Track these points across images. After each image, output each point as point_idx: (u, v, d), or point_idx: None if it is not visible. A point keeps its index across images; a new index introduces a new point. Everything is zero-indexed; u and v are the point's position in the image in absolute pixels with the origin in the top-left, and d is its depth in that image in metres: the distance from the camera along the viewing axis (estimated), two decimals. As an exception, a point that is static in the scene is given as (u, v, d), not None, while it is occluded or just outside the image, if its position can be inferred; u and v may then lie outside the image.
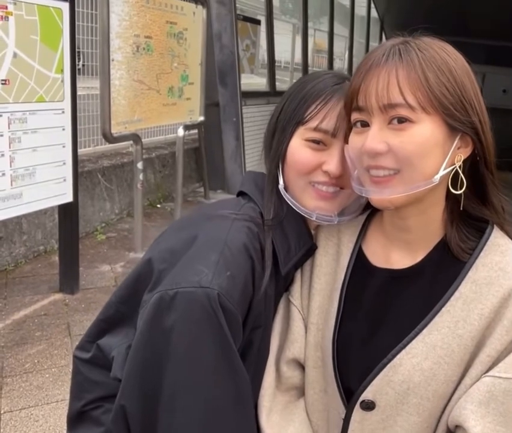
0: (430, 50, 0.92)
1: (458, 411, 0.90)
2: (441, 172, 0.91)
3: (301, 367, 1.11)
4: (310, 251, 1.13)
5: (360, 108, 0.94)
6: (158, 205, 5.94)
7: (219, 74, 5.94)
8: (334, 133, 1.03)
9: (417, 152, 0.89)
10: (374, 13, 12.62)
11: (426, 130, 0.89)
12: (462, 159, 0.93)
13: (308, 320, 1.09)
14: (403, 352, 0.94)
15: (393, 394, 0.94)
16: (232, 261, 0.94)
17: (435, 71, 0.90)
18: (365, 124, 0.94)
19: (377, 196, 0.93)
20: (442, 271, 0.97)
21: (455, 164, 0.93)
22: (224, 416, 0.90)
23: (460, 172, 0.93)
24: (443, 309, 0.94)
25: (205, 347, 0.88)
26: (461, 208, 0.97)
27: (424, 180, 0.90)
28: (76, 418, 1.07)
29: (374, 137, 0.91)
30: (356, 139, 0.96)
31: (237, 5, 6.02)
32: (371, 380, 0.95)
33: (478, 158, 0.95)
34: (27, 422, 2.53)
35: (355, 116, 0.96)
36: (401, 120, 0.89)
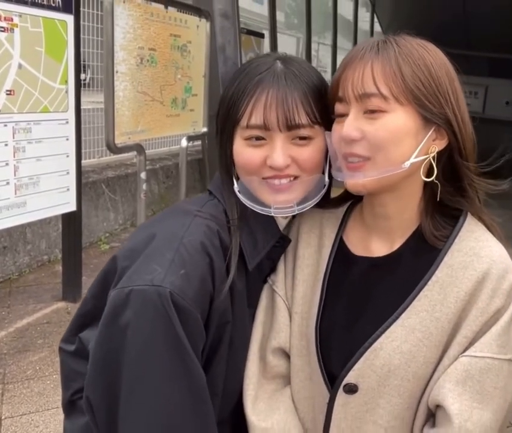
0: (408, 46, 0.97)
1: (437, 390, 0.94)
2: (412, 160, 0.95)
3: (287, 355, 1.14)
4: (284, 243, 1.15)
5: (340, 98, 0.99)
6: (162, 216, 5.97)
7: (223, 85, 5.99)
8: (266, 125, 1.01)
9: (389, 139, 0.93)
10: (377, 27, 12.71)
11: (398, 119, 0.94)
12: (436, 150, 0.98)
13: (292, 309, 1.13)
14: (383, 336, 0.97)
15: (375, 377, 0.97)
16: (187, 260, 0.95)
17: (410, 65, 0.94)
18: (345, 114, 0.98)
19: (351, 180, 0.98)
20: (419, 258, 1.02)
21: (428, 154, 0.97)
22: (179, 412, 0.91)
23: (433, 161, 0.97)
24: (421, 293, 0.98)
25: (158, 345, 0.90)
26: (438, 199, 1.01)
27: (395, 165, 0.94)
28: (68, 406, 1.11)
29: (350, 124, 0.96)
30: (336, 128, 1.01)
31: (240, 19, 6.08)
32: (353, 365, 0.99)
33: (452, 151, 0.98)
34: (28, 428, 2.55)
35: (336, 107, 1.01)
36: (374, 110, 0.94)
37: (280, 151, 1.01)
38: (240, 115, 1.03)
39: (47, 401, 2.74)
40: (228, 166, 1.09)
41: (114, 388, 0.91)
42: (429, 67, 0.96)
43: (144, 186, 4.30)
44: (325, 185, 1.09)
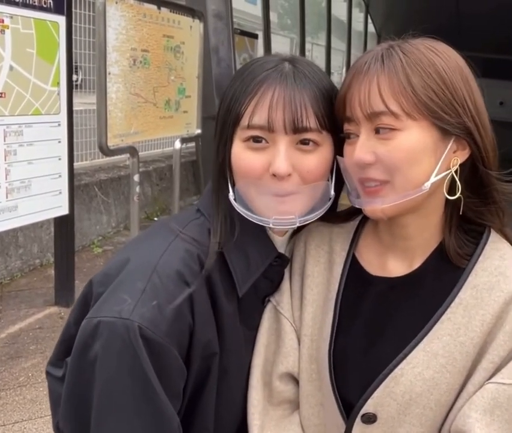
0: (416, 52, 0.89)
1: (462, 420, 0.87)
2: (433, 179, 0.88)
3: (295, 380, 1.07)
4: (283, 262, 1.06)
5: (348, 119, 0.92)
6: (156, 219, 5.93)
7: (216, 87, 5.96)
8: (270, 126, 0.91)
9: (405, 160, 0.87)
10: (371, 28, 12.73)
11: (413, 137, 0.86)
12: (458, 163, 0.90)
13: (301, 332, 1.05)
14: (404, 362, 0.91)
15: (395, 406, 0.91)
16: (160, 289, 0.88)
17: (420, 75, 0.86)
18: (355, 134, 0.92)
19: (369, 206, 0.92)
20: (441, 277, 0.95)
21: (450, 169, 0.90)
22: None
23: (456, 177, 0.90)
24: (444, 316, 0.91)
25: (123, 382, 0.84)
26: (461, 213, 0.94)
27: (415, 187, 0.88)
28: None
29: (362, 147, 0.89)
30: (347, 151, 0.94)
31: (234, 20, 6.06)
32: (372, 393, 0.92)
33: (475, 160, 0.91)
34: (20, 437, 2.51)
35: (345, 127, 0.94)
36: (386, 129, 0.87)
37: (284, 155, 0.92)
38: (241, 114, 0.94)
39: (40, 408, 2.70)
40: (224, 172, 1.00)
41: (85, 421, 0.87)
42: (442, 73, 0.87)
43: (137, 189, 4.26)
44: (330, 198, 1.01)
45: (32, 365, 3.06)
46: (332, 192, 1.01)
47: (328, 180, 1.00)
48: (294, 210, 0.96)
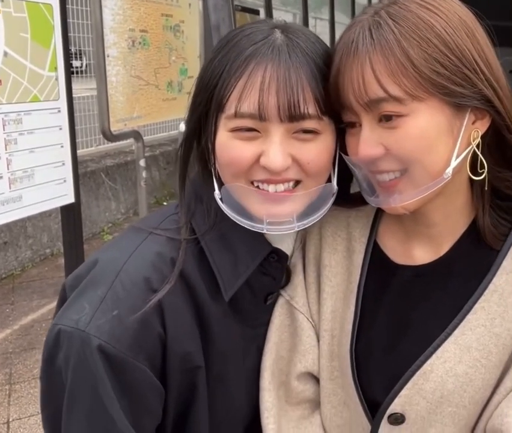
0: (408, 16, 0.75)
1: (500, 419, 0.79)
2: (454, 163, 0.77)
3: (314, 378, 0.99)
4: (281, 258, 0.94)
5: (345, 107, 0.80)
6: (165, 203, 5.90)
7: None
8: (262, 114, 0.77)
9: (417, 149, 0.75)
10: (375, 0, 12.48)
11: (422, 121, 0.75)
12: (479, 135, 0.78)
13: (320, 327, 0.96)
14: (434, 356, 0.83)
15: (424, 405, 0.83)
16: (122, 298, 0.79)
17: (419, 44, 0.74)
18: (356, 122, 0.81)
19: (387, 205, 0.81)
20: (472, 263, 0.86)
21: (471, 143, 0.78)
22: None
23: (478, 151, 0.79)
24: (477, 305, 0.83)
25: (80, 397, 0.78)
26: (486, 188, 0.83)
27: (435, 177, 0.77)
28: None
29: (366, 141, 0.77)
30: (351, 142, 0.83)
31: (234, -4, 5.94)
32: (399, 391, 0.84)
33: (498, 128, 0.80)
34: (37, 430, 2.50)
35: (344, 116, 0.82)
36: (390, 117, 0.75)
37: (279, 148, 0.79)
38: (225, 98, 0.80)
39: (54, 398, 2.68)
40: (208, 166, 0.88)
41: (57, 426, 0.82)
42: (444, 35, 0.74)
43: (144, 174, 4.22)
44: (333, 193, 0.88)
45: (45, 355, 3.05)
46: (335, 186, 0.88)
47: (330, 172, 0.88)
48: (291, 211, 0.83)
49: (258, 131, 0.80)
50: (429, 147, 0.75)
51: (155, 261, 0.83)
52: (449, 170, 0.77)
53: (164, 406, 0.85)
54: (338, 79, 0.78)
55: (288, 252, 0.97)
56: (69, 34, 3.11)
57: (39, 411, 2.12)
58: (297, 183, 0.84)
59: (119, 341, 0.77)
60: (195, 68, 4.63)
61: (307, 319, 0.98)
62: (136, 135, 4.07)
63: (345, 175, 0.91)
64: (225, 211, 0.85)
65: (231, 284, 0.87)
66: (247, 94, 0.78)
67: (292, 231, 0.85)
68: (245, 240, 0.87)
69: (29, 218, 3.86)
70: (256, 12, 7.17)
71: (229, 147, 0.81)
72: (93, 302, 0.79)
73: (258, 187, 0.83)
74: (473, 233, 0.87)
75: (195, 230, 0.87)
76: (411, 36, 0.73)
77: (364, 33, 0.76)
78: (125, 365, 0.78)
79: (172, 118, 5.40)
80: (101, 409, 0.77)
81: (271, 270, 0.93)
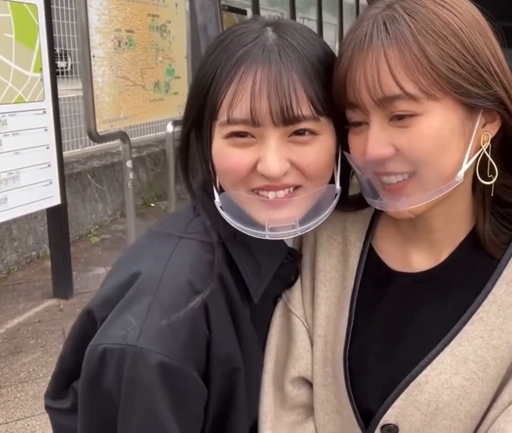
0: (424, 12, 0.72)
1: None
2: (466, 166, 0.75)
3: (308, 383, 0.97)
4: (294, 257, 0.94)
5: (352, 105, 0.77)
6: (153, 204, 5.87)
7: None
8: (254, 119, 0.75)
9: (430, 150, 0.73)
10: (363, 0, 12.54)
11: (436, 121, 0.72)
12: (489, 139, 0.77)
13: (314, 332, 0.94)
14: (429, 367, 0.80)
15: (419, 416, 0.80)
16: (169, 305, 0.76)
17: (435, 41, 0.71)
18: (362, 122, 0.78)
19: (394, 209, 0.79)
20: (471, 271, 0.83)
21: (481, 146, 0.77)
22: None
23: (488, 155, 0.77)
24: (475, 316, 0.80)
25: (135, 414, 0.74)
26: (492, 195, 0.81)
27: (447, 180, 0.75)
28: None
29: (376, 140, 0.74)
30: (355, 142, 0.80)
31: (221, -4, 5.92)
32: (393, 401, 0.82)
33: (508, 131, 0.78)
34: (23, 433, 2.47)
35: (349, 114, 0.79)
36: (403, 116, 0.73)
37: (275, 153, 0.76)
38: (218, 105, 0.78)
39: (42, 404, 2.63)
40: (208, 173, 0.85)
41: None
42: (459, 33, 0.72)
43: (131, 175, 4.18)
44: (336, 194, 0.86)
45: (32, 360, 3.01)
46: (338, 187, 0.86)
47: (333, 173, 0.86)
48: (293, 215, 0.81)
49: (254, 136, 0.78)
50: (442, 148, 0.73)
51: (194, 264, 0.81)
52: (461, 173, 0.75)
53: (205, 411, 0.83)
54: (347, 74, 0.75)
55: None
56: (54, 35, 3.08)
57: (27, 415, 2.06)
58: (297, 187, 0.82)
59: (172, 349, 0.75)
60: (182, 68, 4.61)
61: (302, 322, 0.96)
62: (123, 135, 4.03)
63: (344, 177, 0.90)
64: (226, 219, 0.83)
65: (258, 286, 0.86)
66: (238, 100, 0.76)
67: (295, 235, 0.83)
68: (264, 244, 0.85)
69: (15, 220, 3.81)
70: (244, 12, 7.17)
71: (225, 154, 0.80)
72: (139, 315, 0.75)
73: (258, 193, 0.82)
74: (473, 240, 0.84)
75: (220, 233, 0.85)
76: (428, 32, 0.71)
77: (379, 27, 0.73)
78: (179, 373, 0.75)
79: (159, 119, 5.36)
80: (157, 423, 0.75)
81: (284, 273, 0.93)
